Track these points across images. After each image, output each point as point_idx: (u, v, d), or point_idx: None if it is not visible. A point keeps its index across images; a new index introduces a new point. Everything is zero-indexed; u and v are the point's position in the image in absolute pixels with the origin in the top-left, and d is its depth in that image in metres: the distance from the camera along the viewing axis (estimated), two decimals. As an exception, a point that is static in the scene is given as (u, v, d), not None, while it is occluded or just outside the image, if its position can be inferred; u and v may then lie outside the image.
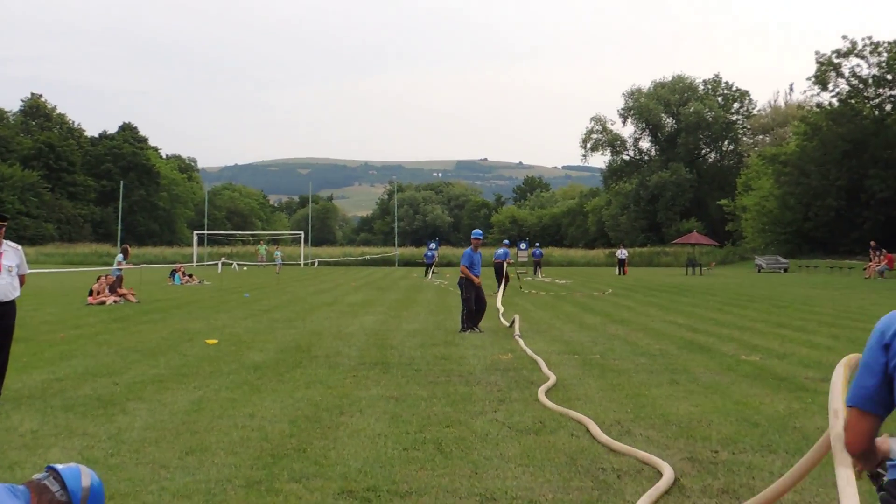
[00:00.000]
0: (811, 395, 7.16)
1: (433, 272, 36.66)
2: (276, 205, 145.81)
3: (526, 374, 8.30)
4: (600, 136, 78.68)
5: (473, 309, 12.73)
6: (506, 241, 25.43)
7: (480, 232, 13.33)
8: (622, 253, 41.71)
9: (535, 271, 37.61)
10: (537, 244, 43.00)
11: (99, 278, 19.55)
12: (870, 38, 50.44)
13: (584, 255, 64.37)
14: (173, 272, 29.19)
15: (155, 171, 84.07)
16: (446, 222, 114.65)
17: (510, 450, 5.22)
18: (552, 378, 7.97)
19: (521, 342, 10.76)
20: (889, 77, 50.55)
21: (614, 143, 78.73)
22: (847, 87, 52.57)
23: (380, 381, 7.87)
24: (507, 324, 14.65)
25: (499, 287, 21.96)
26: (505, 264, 22.04)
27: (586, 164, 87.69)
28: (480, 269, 13.07)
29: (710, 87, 78.36)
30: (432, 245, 42.72)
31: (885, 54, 50.11)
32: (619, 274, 40.11)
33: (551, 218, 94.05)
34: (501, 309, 16.67)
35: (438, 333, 12.26)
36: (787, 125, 65.11)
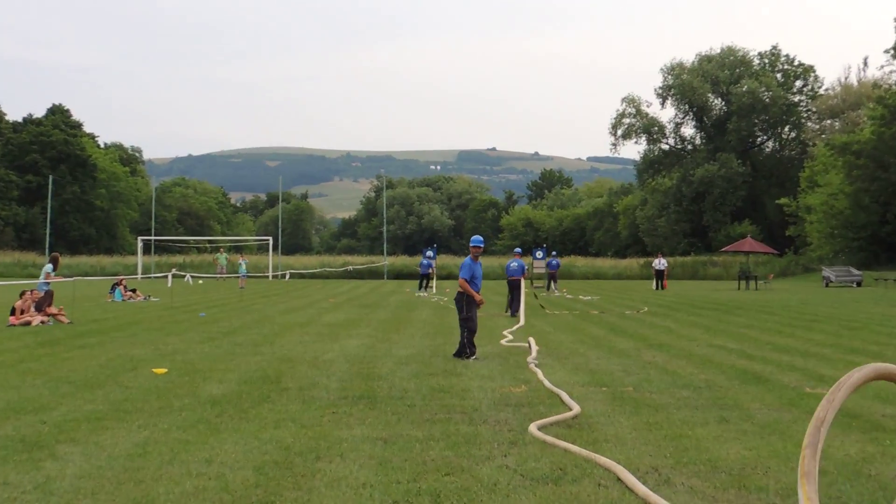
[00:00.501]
0: (890, 436, 7.17)
1: (430, 286, 36.70)
2: (238, 204, 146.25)
3: (543, 410, 8.32)
4: (634, 121, 78.96)
5: (475, 331, 12.77)
6: (518, 250, 24.85)
7: (481, 239, 13.35)
8: (660, 263, 41.81)
9: (549, 285, 37.64)
10: (554, 253, 43.03)
11: (23, 294, 19.57)
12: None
13: (613, 266, 64.50)
14: (114, 286, 29.25)
15: (91, 163, 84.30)
16: (446, 225, 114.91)
17: (523, 503, 5.22)
18: (574, 409, 8.04)
19: (539, 372, 10.78)
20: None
21: (651, 129, 78.99)
22: (933, 62, 52.72)
23: (365, 418, 7.89)
24: (510, 340, 14.86)
25: (511, 306, 21.96)
26: (521, 281, 21.94)
27: (616, 155, 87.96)
28: (481, 283, 13.13)
29: (766, 61, 78.68)
30: (429, 253, 42.66)
31: (980, 21, 50.26)
32: (657, 288, 40.20)
33: (574, 220, 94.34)
34: (519, 323, 16.75)
35: (436, 361, 12.29)
36: (860, 107, 65.32)
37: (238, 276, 44.49)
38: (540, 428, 7.33)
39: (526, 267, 23.23)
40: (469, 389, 9.62)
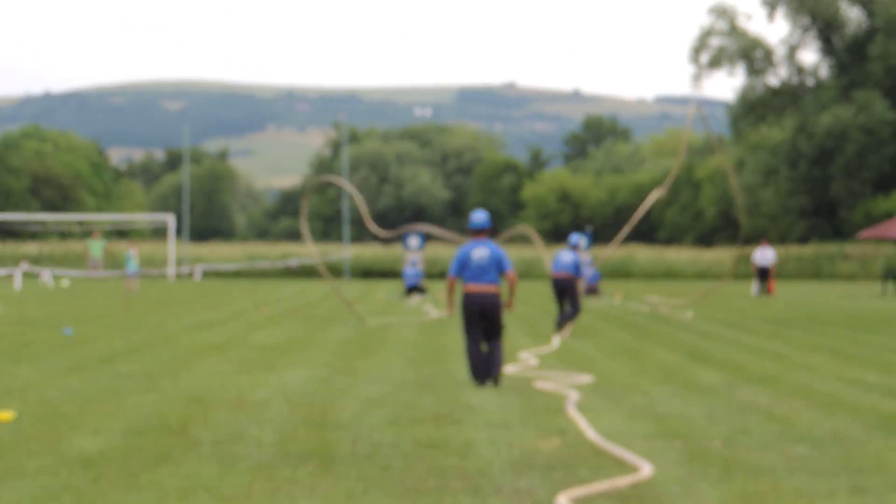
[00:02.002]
0: None
1: (420, 292, 36.91)
2: (123, 167, 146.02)
3: (586, 474, 8.35)
4: (727, 42, 78.90)
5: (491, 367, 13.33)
6: (574, 239, 24.33)
7: (481, 218, 13.56)
8: (765, 256, 41.84)
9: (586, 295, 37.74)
10: (597, 270, 41.59)
11: None
12: None
13: (693, 260, 64.58)
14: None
15: None
16: (440, 199, 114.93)
17: None
18: (642, 470, 8.10)
19: (579, 417, 10.78)
20: None
21: (752, 53, 78.95)
22: None
23: (315, 487, 7.91)
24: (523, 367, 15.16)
25: (562, 320, 21.92)
26: (577, 282, 21.98)
27: (699, 94, 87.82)
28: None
29: (927, -51, 78.59)
30: (413, 242, 42.17)
31: None
32: (760, 293, 40.25)
33: (634, 191, 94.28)
34: (555, 343, 16.90)
35: (424, 400, 12.33)
36: None
37: (123, 275, 44.49)
38: (577, 501, 7.34)
39: (581, 264, 23.06)
40: (474, 443, 9.64)
